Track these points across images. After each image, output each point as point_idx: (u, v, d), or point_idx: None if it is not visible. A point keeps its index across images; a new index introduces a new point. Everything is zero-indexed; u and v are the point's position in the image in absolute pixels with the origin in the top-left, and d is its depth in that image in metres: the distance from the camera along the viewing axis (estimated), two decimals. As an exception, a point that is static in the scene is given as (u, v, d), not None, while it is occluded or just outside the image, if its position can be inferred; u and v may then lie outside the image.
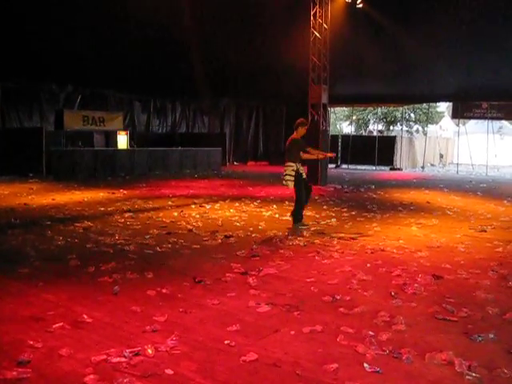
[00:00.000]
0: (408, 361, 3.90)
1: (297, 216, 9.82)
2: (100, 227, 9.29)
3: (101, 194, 14.25)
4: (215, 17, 20.75)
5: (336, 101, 25.80)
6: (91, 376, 3.55)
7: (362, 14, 20.29)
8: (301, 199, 9.74)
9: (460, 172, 28.16)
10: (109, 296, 5.35)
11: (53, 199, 13.01)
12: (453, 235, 9.19)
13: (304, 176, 9.80)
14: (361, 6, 19.85)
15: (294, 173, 9.51)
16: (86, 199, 13.17)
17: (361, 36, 21.53)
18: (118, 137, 24.25)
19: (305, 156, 9.91)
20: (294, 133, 9.82)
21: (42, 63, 20.11)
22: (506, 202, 14.31)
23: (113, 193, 14.62)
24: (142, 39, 20.21)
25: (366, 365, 3.81)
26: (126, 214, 10.77)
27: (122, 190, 15.15)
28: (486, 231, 9.64)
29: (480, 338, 4.35)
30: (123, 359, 3.81)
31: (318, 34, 18.32)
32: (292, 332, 4.45)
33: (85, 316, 4.68)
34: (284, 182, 9.71)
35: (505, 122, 38.64)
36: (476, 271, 6.60)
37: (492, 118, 27.81)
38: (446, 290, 5.75)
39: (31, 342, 4.08)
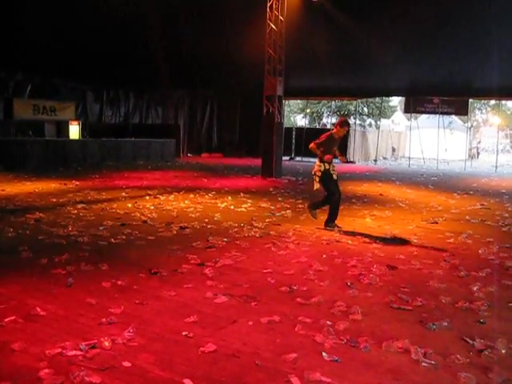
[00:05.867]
0: (365, 349, 3.95)
1: (329, 222, 9.12)
2: (52, 218, 9.08)
3: (52, 185, 13.93)
4: (171, 7, 20.52)
5: (291, 93, 25.89)
6: (46, 370, 3.46)
7: (318, 8, 20.38)
8: (332, 198, 8.99)
9: (412, 165, 28.69)
10: (63, 288, 5.23)
11: (2, 190, 12.64)
12: (406, 227, 9.37)
13: (335, 177, 9.00)
14: (316, -1, 19.95)
15: (320, 173, 8.90)
16: (37, 190, 12.85)
17: (316, 30, 21.63)
18: (70, 127, 23.72)
19: (315, 149, 8.96)
20: (334, 129, 9.11)
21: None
22: (456, 194, 14.67)
23: (65, 184, 14.31)
24: (95, 28, 19.81)
25: (324, 354, 3.84)
26: (79, 205, 10.56)
27: (74, 181, 14.85)
28: (437, 223, 9.87)
29: (434, 326, 4.44)
30: (79, 352, 3.73)
31: (273, 26, 18.31)
32: (250, 323, 4.45)
33: (38, 309, 4.56)
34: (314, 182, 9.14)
35: (455, 117, 39.58)
36: (429, 261, 6.74)
37: (443, 113, 28.39)
38: (401, 280, 5.85)
39: (-18, 336, 3.96)
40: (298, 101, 45.19)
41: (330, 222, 9.05)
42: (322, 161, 8.93)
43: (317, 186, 9.03)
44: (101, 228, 8.36)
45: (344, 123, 9.08)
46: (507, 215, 11.07)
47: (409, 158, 31.04)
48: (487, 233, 8.95)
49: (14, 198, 11.40)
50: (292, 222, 9.40)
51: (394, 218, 10.28)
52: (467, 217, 10.65)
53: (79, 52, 21.19)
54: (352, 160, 30.00)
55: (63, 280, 5.47)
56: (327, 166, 8.91)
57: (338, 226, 8.99)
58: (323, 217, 9.32)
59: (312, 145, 8.95)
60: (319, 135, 9.16)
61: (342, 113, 45.15)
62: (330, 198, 9.03)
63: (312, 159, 29.90)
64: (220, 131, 33.41)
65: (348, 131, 9.37)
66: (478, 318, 4.71)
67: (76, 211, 9.94)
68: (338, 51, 23.79)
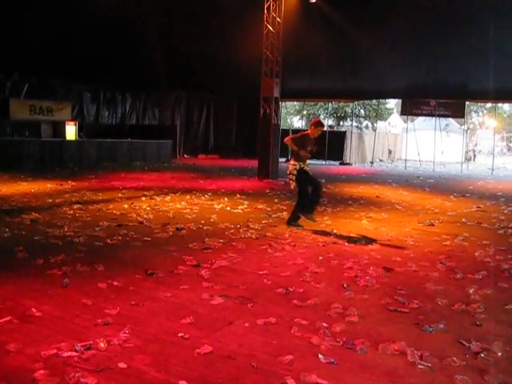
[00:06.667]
0: (362, 351, 3.94)
1: (294, 214, 9.28)
2: (48, 219, 9.06)
3: (48, 186, 13.90)
4: (168, 8, 20.53)
5: (288, 95, 25.89)
6: (41, 371, 3.44)
7: (315, 10, 20.44)
8: (303, 197, 9.14)
9: (408, 168, 28.71)
10: (58, 289, 5.21)
11: (-2, 190, 12.64)
12: (402, 229, 9.37)
13: (310, 173, 9.18)
14: (314, 1, 20.01)
15: (295, 172, 9.01)
16: (33, 190, 12.82)
17: (313, 31, 21.69)
18: (67, 127, 23.71)
19: (291, 144, 9.03)
20: (309, 130, 9.22)
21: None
22: (452, 197, 14.69)
23: (61, 184, 14.29)
24: (92, 28, 19.81)
25: (320, 356, 3.83)
26: (75, 206, 10.54)
27: (70, 182, 14.82)
28: (434, 225, 9.87)
29: (431, 329, 4.44)
30: (75, 353, 3.71)
31: (271, 28, 18.31)
32: (246, 324, 4.44)
33: (33, 309, 4.54)
34: (289, 181, 9.33)
35: (451, 120, 39.65)
36: (425, 264, 6.74)
37: (439, 116, 28.42)
38: (397, 282, 5.85)
39: (-23, 337, 3.93)
40: (295, 102, 45.20)
41: (307, 214, 9.17)
42: (296, 159, 9.07)
43: (293, 184, 9.20)
44: (97, 229, 8.34)
45: (318, 124, 9.24)
46: (503, 218, 11.08)
47: (405, 160, 31.04)
48: (483, 235, 8.95)
49: (9, 199, 11.37)
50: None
51: (391, 220, 10.28)
52: (463, 219, 10.66)
53: (76, 52, 21.18)
54: (348, 162, 30.03)
55: (59, 281, 5.45)
56: (302, 165, 9.06)
57: (300, 225, 9.15)
58: (319, 219, 9.33)
59: (288, 139, 9.12)
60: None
61: (338, 115, 45.21)
62: (300, 197, 9.21)
63: (309, 162, 29.98)
64: (217, 132, 33.41)
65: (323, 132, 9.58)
66: (475, 321, 4.71)
67: (72, 212, 9.92)
68: (335, 53, 23.83)
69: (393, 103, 49.40)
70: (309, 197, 9.19)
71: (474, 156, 41.62)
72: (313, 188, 9.20)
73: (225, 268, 6.24)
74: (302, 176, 9.06)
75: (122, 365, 3.59)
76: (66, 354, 3.70)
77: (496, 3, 19.15)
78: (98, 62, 22.38)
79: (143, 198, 12.17)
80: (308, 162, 9.24)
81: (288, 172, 9.26)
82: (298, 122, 49.99)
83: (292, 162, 9.14)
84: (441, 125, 30.40)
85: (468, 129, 44.99)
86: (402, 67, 24.96)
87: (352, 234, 8.58)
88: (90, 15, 19.05)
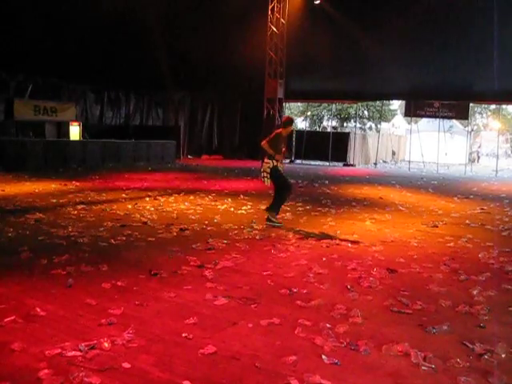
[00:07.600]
0: (365, 352, 3.95)
1: (271, 211, 9.46)
2: (52, 219, 9.07)
3: (52, 186, 13.93)
4: (173, 9, 20.56)
5: (291, 96, 25.89)
6: (45, 371, 3.46)
7: (320, 11, 20.45)
8: (281, 193, 9.44)
9: (412, 169, 28.64)
10: (62, 289, 5.23)
11: (2, 190, 12.64)
12: (406, 230, 9.36)
13: (282, 173, 9.42)
14: (318, 2, 20.02)
15: (269, 170, 9.19)
16: (37, 190, 12.85)
17: (317, 32, 21.68)
18: (71, 128, 23.73)
19: (268, 148, 9.22)
20: (281, 129, 9.48)
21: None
22: (456, 198, 14.66)
23: (65, 184, 14.31)
24: (96, 28, 19.84)
25: (324, 357, 3.84)
26: (79, 206, 10.56)
27: (74, 182, 14.84)
28: (437, 227, 9.85)
29: (434, 330, 4.44)
30: (79, 353, 3.73)
31: (275, 29, 18.35)
32: (250, 325, 4.45)
33: (38, 309, 4.56)
34: (262, 178, 9.48)
35: (455, 121, 39.49)
36: (429, 265, 6.73)
37: (443, 117, 28.31)
38: (401, 284, 5.85)
39: (-19, 337, 3.95)
40: (299, 103, 45.15)
41: (272, 212, 9.40)
42: (270, 158, 9.25)
43: (267, 182, 9.43)
44: (101, 229, 8.36)
45: (287, 123, 9.55)
46: (507, 219, 11.07)
47: (409, 161, 30.96)
48: (487, 237, 8.94)
49: (13, 199, 11.39)
50: (292, 225, 9.40)
51: (394, 222, 10.27)
52: (467, 221, 10.64)
53: (80, 53, 21.22)
54: (352, 163, 29.99)
55: (63, 280, 5.47)
56: (275, 163, 9.25)
57: (279, 224, 9.30)
58: (323, 220, 9.29)
59: (264, 143, 9.30)
60: (271, 132, 9.71)
61: (342, 116, 45.18)
62: (281, 191, 9.49)
63: (313, 162, 30.03)
64: (220, 133, 33.36)
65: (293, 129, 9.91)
66: (478, 322, 4.71)
67: (76, 212, 9.94)
68: (339, 54, 23.83)
69: (396, 104, 49.32)
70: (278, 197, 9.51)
71: (478, 158, 41.53)
72: (284, 188, 9.49)
73: (228, 268, 6.25)
74: (277, 173, 9.30)
75: (125, 365, 3.60)
76: (70, 354, 3.71)
77: (500, 4, 19.12)
78: (102, 62, 22.41)
79: (147, 199, 12.18)
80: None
81: (262, 170, 9.45)
82: (301, 123, 49.94)
83: (266, 160, 9.32)
84: (444, 126, 30.28)
85: (472, 130, 44.90)
86: (406, 68, 24.93)
87: (356, 236, 8.59)
88: (94, 16, 19.08)
